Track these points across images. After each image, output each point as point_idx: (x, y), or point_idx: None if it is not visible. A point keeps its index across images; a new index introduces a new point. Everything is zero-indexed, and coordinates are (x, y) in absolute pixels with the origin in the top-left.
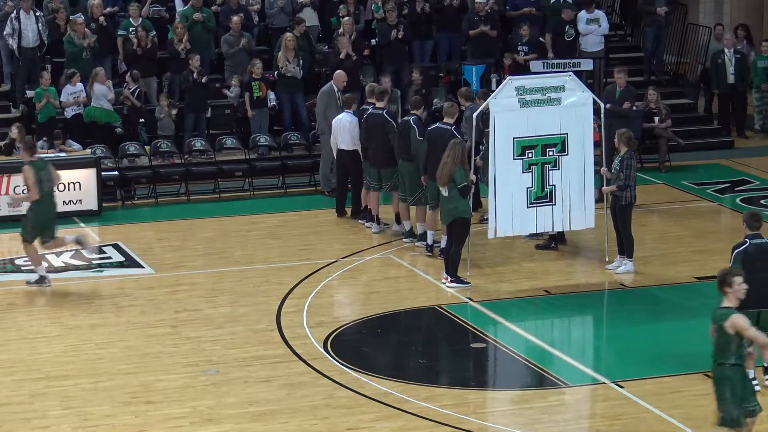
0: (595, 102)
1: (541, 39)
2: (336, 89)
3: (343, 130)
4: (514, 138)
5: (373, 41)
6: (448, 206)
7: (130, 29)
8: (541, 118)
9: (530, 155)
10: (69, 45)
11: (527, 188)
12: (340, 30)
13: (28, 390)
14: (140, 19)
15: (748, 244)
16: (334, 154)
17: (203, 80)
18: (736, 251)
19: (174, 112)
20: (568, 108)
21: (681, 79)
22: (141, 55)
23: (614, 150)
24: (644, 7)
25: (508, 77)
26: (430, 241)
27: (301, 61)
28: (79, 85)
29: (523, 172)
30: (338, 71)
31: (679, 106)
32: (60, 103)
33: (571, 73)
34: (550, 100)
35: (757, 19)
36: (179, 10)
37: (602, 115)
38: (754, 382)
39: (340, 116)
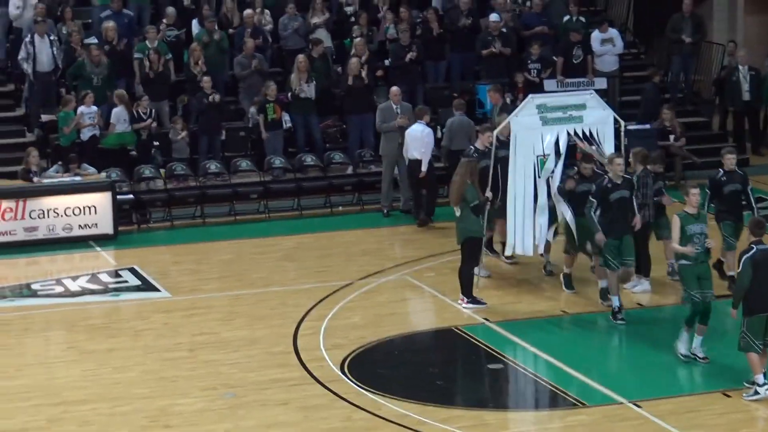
0: (616, 120)
1: (554, 58)
2: (393, 105)
3: (415, 140)
4: (537, 156)
5: (387, 62)
6: (459, 225)
7: (146, 51)
8: (563, 135)
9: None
10: (78, 69)
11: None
12: (353, 51)
13: (46, 415)
14: (156, 42)
15: (755, 250)
16: (407, 164)
17: (217, 100)
18: (745, 257)
19: (185, 134)
20: (590, 126)
21: (695, 97)
22: (153, 79)
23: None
24: (671, 35)
25: (530, 95)
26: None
27: (314, 82)
28: (94, 107)
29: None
30: (393, 87)
31: (694, 124)
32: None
33: (592, 91)
34: (571, 117)
35: None
36: (195, 32)
37: (622, 134)
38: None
39: (413, 126)
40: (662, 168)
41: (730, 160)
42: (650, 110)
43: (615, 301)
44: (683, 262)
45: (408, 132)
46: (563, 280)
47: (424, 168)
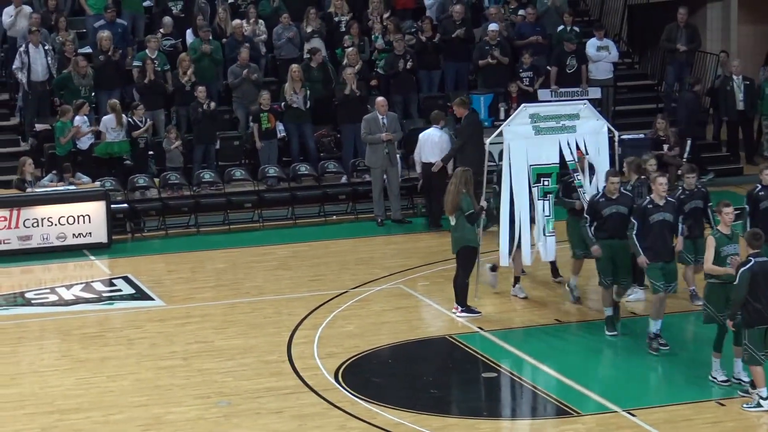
0: (609, 130)
1: (548, 67)
2: (379, 116)
3: (432, 144)
4: (530, 165)
5: (380, 70)
6: (454, 234)
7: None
8: (555, 145)
9: (546, 183)
10: (65, 80)
11: (545, 216)
12: (345, 61)
13: (39, 424)
14: (156, 51)
15: (753, 262)
16: (418, 169)
17: (211, 109)
18: (743, 269)
19: (179, 143)
20: (583, 136)
21: None
22: (148, 88)
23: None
24: (666, 45)
25: (523, 104)
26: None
27: (307, 92)
28: (86, 117)
29: (539, 200)
30: (379, 98)
31: None
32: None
33: (586, 101)
34: (564, 127)
35: (763, 46)
36: (189, 42)
37: (616, 144)
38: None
39: (428, 131)
40: (693, 178)
41: None
42: (693, 121)
43: (656, 325)
44: (712, 281)
45: (422, 136)
46: (606, 321)
47: (450, 170)
